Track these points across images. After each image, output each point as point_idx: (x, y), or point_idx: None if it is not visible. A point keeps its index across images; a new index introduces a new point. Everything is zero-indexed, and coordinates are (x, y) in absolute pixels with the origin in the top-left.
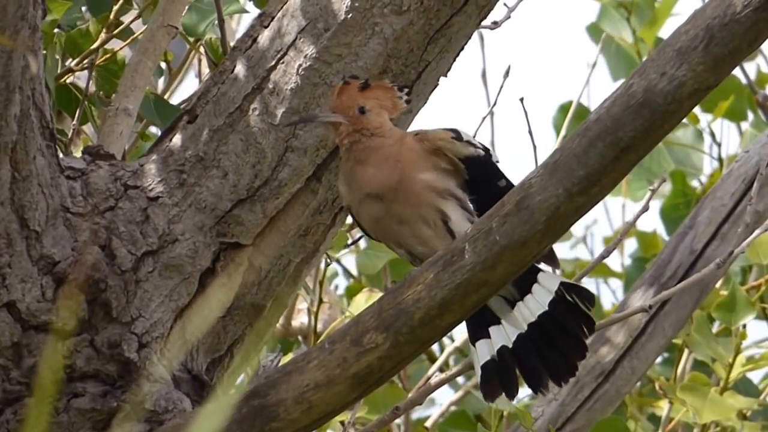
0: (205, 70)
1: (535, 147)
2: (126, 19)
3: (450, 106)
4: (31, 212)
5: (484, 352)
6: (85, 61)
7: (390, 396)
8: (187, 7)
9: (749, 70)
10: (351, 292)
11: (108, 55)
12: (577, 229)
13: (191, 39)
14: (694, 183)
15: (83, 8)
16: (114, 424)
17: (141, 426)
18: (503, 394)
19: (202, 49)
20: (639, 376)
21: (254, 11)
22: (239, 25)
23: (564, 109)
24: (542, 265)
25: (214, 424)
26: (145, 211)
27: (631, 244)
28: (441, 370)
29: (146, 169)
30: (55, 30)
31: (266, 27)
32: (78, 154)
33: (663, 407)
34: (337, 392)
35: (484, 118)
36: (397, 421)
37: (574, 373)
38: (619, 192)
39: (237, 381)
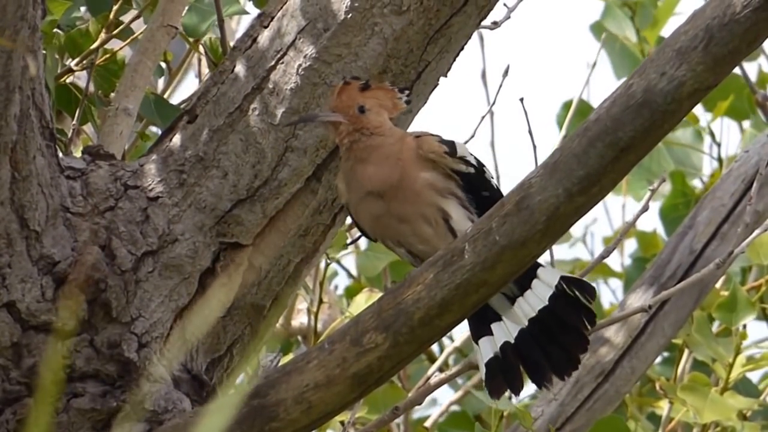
0: (205, 70)
1: (534, 147)
2: (126, 18)
3: (450, 106)
4: (31, 212)
5: (487, 349)
6: (85, 61)
7: (390, 396)
8: (187, 8)
9: (751, 69)
10: (351, 293)
11: (108, 55)
12: (577, 229)
13: (191, 39)
14: (696, 183)
15: (83, 8)
16: (114, 424)
17: (141, 426)
18: (508, 390)
19: (201, 49)
20: (639, 376)
21: (254, 11)
22: (239, 25)
23: (567, 106)
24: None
25: (218, 424)
26: (145, 211)
27: (631, 244)
28: (441, 370)
29: (146, 169)
30: (55, 30)
31: (266, 27)
32: (78, 153)
33: (663, 407)
34: (336, 392)
35: (483, 117)
36: (397, 421)
37: (576, 367)
38: (620, 191)
39: (237, 381)
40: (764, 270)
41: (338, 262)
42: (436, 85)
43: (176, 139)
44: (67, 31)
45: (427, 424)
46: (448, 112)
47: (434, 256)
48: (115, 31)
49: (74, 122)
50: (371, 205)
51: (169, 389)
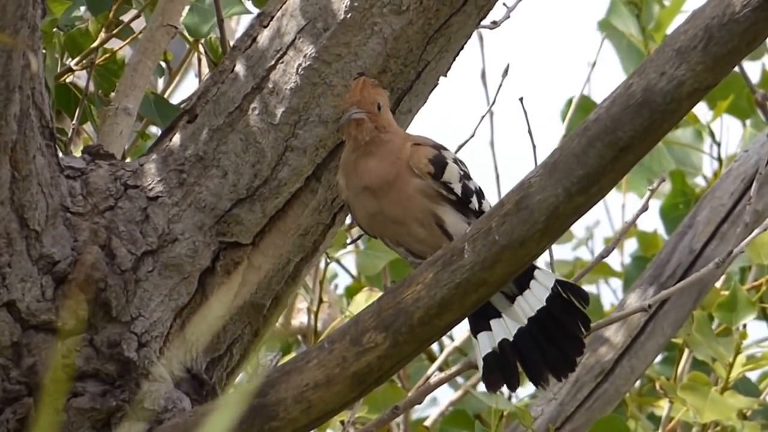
0: (205, 70)
1: (534, 146)
2: (125, 18)
3: (449, 105)
4: (30, 212)
5: (485, 344)
6: (85, 61)
7: (389, 395)
8: (188, 8)
9: (753, 69)
10: (351, 292)
11: (108, 55)
12: (579, 230)
13: (192, 39)
14: (699, 181)
15: (83, 7)
16: (113, 424)
17: (140, 425)
18: (505, 385)
19: (201, 49)
20: (638, 376)
21: (254, 11)
22: (239, 25)
23: (571, 103)
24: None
25: (223, 423)
26: (145, 211)
27: (631, 244)
28: (440, 369)
29: (146, 169)
30: (55, 29)
31: (266, 27)
32: (78, 153)
33: (663, 407)
34: (336, 391)
35: (483, 117)
36: (397, 420)
37: (573, 369)
38: (621, 189)
39: (236, 380)
40: (764, 269)
41: (338, 261)
42: (435, 85)
43: (176, 139)
44: (67, 30)
45: (427, 423)
46: (447, 111)
47: (434, 255)
48: (115, 31)
49: (74, 122)
50: (367, 202)
51: (168, 388)
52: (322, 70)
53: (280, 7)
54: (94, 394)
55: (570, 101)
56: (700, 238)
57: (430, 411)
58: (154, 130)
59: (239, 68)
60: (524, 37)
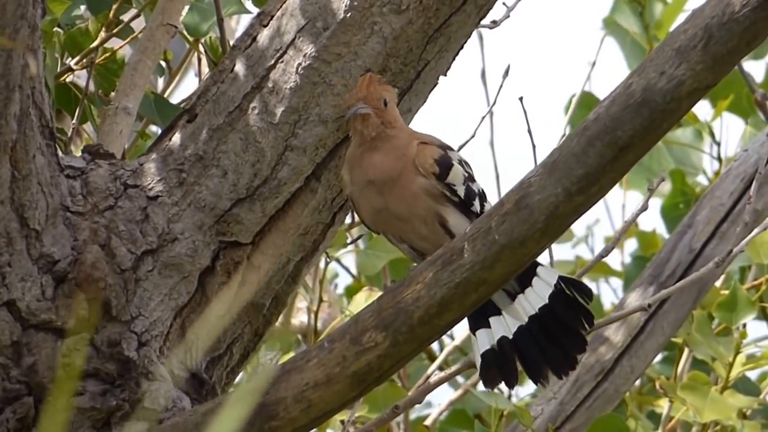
0: (205, 69)
1: (534, 146)
2: (125, 17)
3: (449, 105)
4: (30, 211)
5: (484, 341)
6: (85, 60)
7: (389, 395)
8: (188, 7)
9: (756, 68)
10: (351, 292)
11: (107, 54)
12: (579, 229)
13: (192, 38)
14: (701, 180)
15: (83, 7)
16: (113, 423)
17: (140, 424)
18: (502, 382)
19: (201, 48)
20: (638, 375)
21: (254, 10)
22: (239, 24)
23: (573, 99)
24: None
25: (231, 424)
26: (145, 210)
27: (632, 244)
28: (441, 368)
29: (146, 168)
30: (55, 29)
31: (265, 26)
32: (78, 153)
33: (663, 406)
34: (336, 391)
35: (483, 117)
36: (397, 419)
37: (574, 367)
38: (622, 186)
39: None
40: (764, 269)
41: (338, 261)
42: (435, 84)
43: (176, 138)
44: (67, 29)
45: (427, 422)
46: (447, 111)
47: (433, 255)
48: (115, 30)
49: (74, 121)
50: (372, 197)
51: (168, 388)
52: (322, 70)
53: (280, 7)
54: (94, 394)
55: (573, 98)
56: (699, 238)
57: (428, 411)
58: (155, 130)
59: (239, 67)
60: (524, 36)
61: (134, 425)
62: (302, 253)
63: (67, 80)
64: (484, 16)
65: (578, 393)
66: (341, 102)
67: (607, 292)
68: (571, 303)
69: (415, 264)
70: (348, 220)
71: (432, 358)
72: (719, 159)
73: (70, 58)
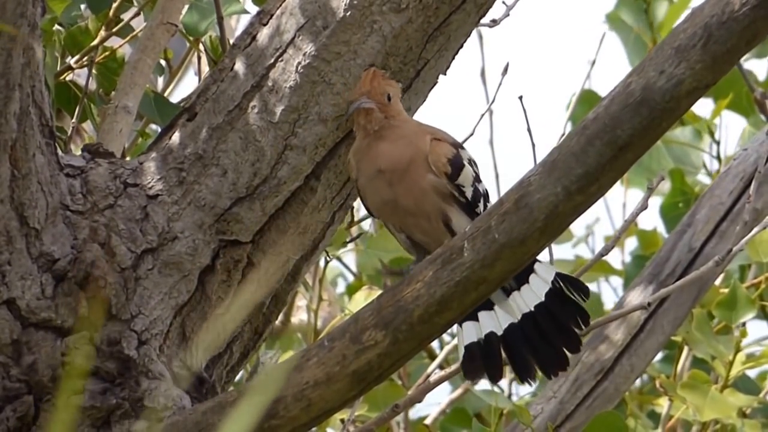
0: (205, 68)
1: (534, 145)
2: (125, 16)
3: (449, 104)
4: (30, 210)
5: (470, 333)
6: (85, 59)
7: (389, 393)
8: (187, 6)
9: (759, 67)
10: (352, 290)
11: (107, 53)
12: (579, 229)
13: (191, 37)
14: (702, 178)
15: (83, 5)
16: (113, 422)
17: (140, 423)
18: (485, 375)
19: (201, 47)
20: (638, 374)
21: (253, 10)
22: (238, 23)
23: (574, 97)
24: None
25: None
26: (145, 209)
27: (632, 243)
28: (441, 367)
29: (145, 167)
30: (55, 27)
31: (265, 25)
32: (77, 151)
33: (663, 405)
34: (336, 389)
35: (482, 116)
36: (397, 418)
37: (565, 367)
38: (623, 184)
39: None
40: (763, 267)
41: (339, 259)
42: (435, 83)
43: (176, 137)
44: (67, 28)
45: (427, 421)
46: (447, 110)
47: (433, 253)
48: (115, 29)
49: (74, 120)
50: (381, 188)
51: (168, 386)
52: (322, 69)
53: (280, 6)
54: (93, 392)
55: (573, 96)
56: (699, 237)
57: (429, 410)
58: (154, 129)
59: (239, 66)
60: (524, 35)
61: (134, 424)
62: (302, 252)
63: (67, 79)
64: (483, 15)
65: (578, 392)
66: (343, 99)
67: (607, 291)
68: (568, 301)
69: (412, 261)
70: (348, 219)
71: (432, 356)
72: (719, 158)
73: (70, 57)
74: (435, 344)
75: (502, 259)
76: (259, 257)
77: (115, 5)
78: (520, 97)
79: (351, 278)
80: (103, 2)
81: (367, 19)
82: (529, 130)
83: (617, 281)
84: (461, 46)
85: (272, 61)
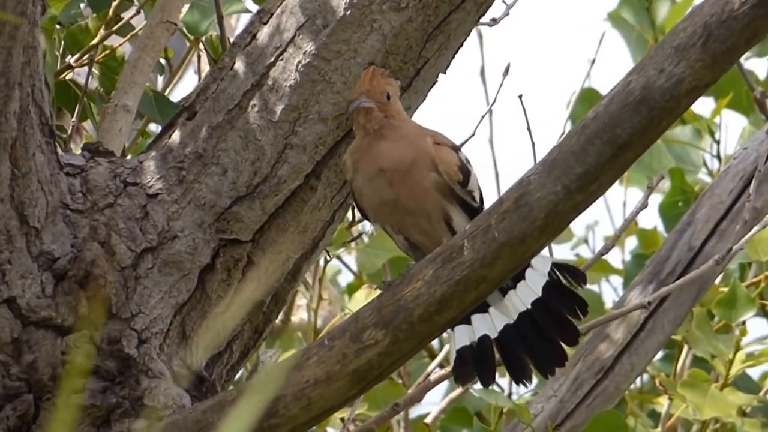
0: (205, 67)
1: (533, 144)
2: (126, 15)
3: (449, 103)
4: (30, 209)
5: (462, 337)
6: (85, 58)
7: (390, 392)
8: (188, 5)
9: (760, 66)
10: (352, 289)
11: (107, 52)
12: (579, 229)
13: (192, 36)
14: (702, 177)
15: (82, 4)
16: (113, 420)
17: (140, 422)
18: (477, 379)
19: (201, 46)
20: (638, 373)
21: (254, 8)
22: (238, 22)
23: (580, 94)
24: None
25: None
26: (145, 208)
27: (632, 242)
28: (441, 366)
29: (145, 166)
30: (55, 26)
31: (265, 24)
32: (77, 150)
33: (663, 404)
34: (336, 388)
35: (483, 115)
36: (397, 417)
37: (563, 363)
38: (623, 183)
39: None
40: (763, 266)
41: (339, 258)
42: (435, 82)
43: (175, 136)
44: (67, 27)
45: (428, 420)
46: (447, 109)
47: (433, 252)
48: (115, 28)
49: (73, 119)
50: (382, 188)
51: (168, 385)
52: (322, 68)
53: (280, 4)
54: (93, 391)
55: (574, 95)
56: (699, 236)
57: (429, 409)
58: (154, 128)
59: (239, 65)
60: (524, 34)
61: (134, 423)
62: (302, 251)
63: (67, 78)
64: (483, 14)
65: (578, 391)
66: (343, 98)
67: (608, 290)
68: (565, 292)
69: (412, 262)
70: (348, 218)
71: (432, 355)
72: (719, 157)
73: (70, 56)
74: (435, 343)
75: (502, 257)
76: (259, 256)
77: (115, 4)
78: (520, 96)
79: (349, 277)
80: (103, 1)
81: (367, 17)
82: (529, 129)
83: (617, 280)
84: (461, 45)
85: (272, 59)
